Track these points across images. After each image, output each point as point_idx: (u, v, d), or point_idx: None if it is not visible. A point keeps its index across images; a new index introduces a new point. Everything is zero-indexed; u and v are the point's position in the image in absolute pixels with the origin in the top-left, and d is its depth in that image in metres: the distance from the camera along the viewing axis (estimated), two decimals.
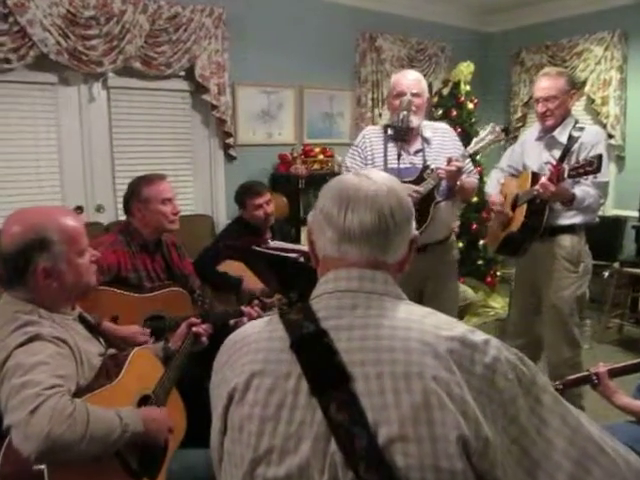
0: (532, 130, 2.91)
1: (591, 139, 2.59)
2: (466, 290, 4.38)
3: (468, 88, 5.00)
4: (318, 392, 0.86)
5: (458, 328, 0.89)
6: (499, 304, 5.07)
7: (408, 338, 0.87)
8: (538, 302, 2.81)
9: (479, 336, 0.88)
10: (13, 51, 3.29)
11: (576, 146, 2.58)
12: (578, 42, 5.15)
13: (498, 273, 5.34)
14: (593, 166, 2.33)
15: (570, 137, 2.61)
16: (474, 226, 4.89)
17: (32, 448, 1.20)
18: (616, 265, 4.31)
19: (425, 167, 2.57)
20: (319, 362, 0.88)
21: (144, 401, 1.60)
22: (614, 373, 1.89)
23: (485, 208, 5.06)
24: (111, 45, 3.62)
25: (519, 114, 5.73)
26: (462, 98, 4.94)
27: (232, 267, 2.92)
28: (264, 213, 3.12)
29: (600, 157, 2.34)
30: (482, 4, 5.46)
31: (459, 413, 0.80)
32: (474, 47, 5.74)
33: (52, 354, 1.35)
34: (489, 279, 5.19)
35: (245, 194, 3.20)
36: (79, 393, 1.40)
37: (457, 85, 4.99)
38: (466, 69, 4.92)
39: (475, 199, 4.81)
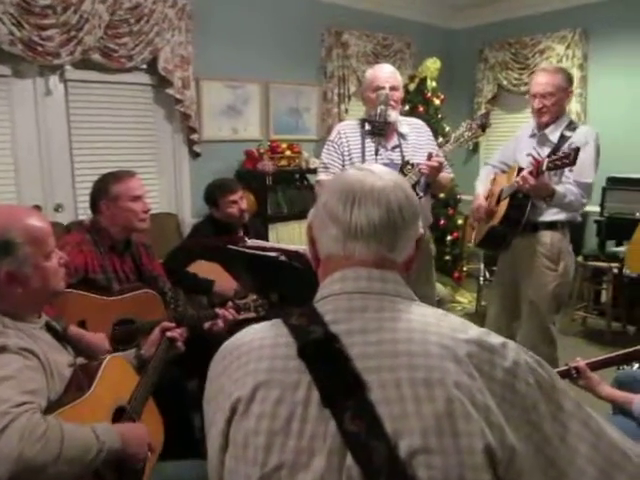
0: (527, 126, 2.88)
1: (581, 139, 2.58)
2: (436, 286, 4.38)
3: (434, 84, 5.01)
4: (330, 402, 0.79)
5: (473, 330, 0.85)
6: (466, 299, 5.13)
7: (427, 341, 0.81)
8: (517, 298, 2.80)
9: (495, 338, 0.84)
10: None
11: (566, 145, 2.56)
12: (540, 40, 5.22)
13: (465, 268, 5.38)
14: (570, 158, 2.34)
15: (562, 136, 2.61)
16: (442, 221, 4.91)
17: (2, 471, 1.09)
18: (579, 259, 4.39)
19: (405, 162, 2.54)
20: (331, 369, 0.81)
21: (119, 413, 1.50)
22: (593, 367, 1.90)
23: (455, 205, 5.11)
24: (68, 36, 3.44)
25: (483, 111, 5.76)
26: (429, 94, 4.95)
27: (204, 268, 2.82)
28: (239, 210, 3.02)
29: (577, 150, 2.34)
30: (447, 1, 5.47)
31: (484, 421, 0.76)
32: (439, 43, 5.76)
33: (20, 367, 1.23)
34: (456, 274, 5.23)
35: (217, 192, 3.07)
36: (50, 408, 1.29)
37: (424, 81, 4.98)
38: (432, 65, 4.93)
39: (442, 195, 4.83)
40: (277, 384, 0.82)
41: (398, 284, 0.91)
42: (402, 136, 2.66)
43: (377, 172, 0.95)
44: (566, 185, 2.55)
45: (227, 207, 3.02)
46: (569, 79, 2.69)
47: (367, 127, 2.34)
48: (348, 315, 0.86)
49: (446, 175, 2.75)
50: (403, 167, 2.53)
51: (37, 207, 3.61)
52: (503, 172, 2.90)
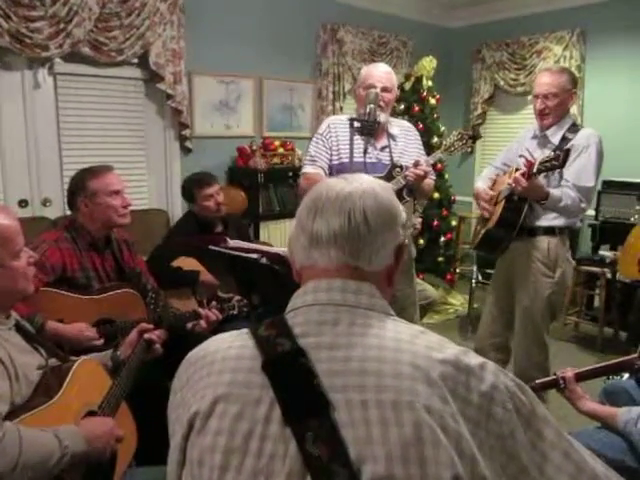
0: (529, 127, 2.81)
1: (582, 142, 2.50)
2: (427, 288, 4.35)
3: (430, 83, 4.96)
4: (292, 421, 0.74)
5: (450, 349, 0.80)
6: (458, 301, 5.08)
7: (398, 361, 0.76)
8: (513, 303, 2.73)
9: (474, 359, 0.79)
10: None
11: (566, 147, 2.46)
12: (538, 40, 5.18)
13: (458, 270, 5.34)
14: (559, 160, 2.27)
15: (563, 138, 2.54)
16: (435, 222, 4.86)
17: None
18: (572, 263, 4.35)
19: (394, 165, 2.51)
20: (295, 386, 0.76)
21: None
22: (581, 377, 1.86)
23: (449, 206, 5.07)
24: (57, 28, 3.39)
25: (479, 111, 5.74)
26: (424, 93, 4.90)
27: (187, 262, 2.79)
28: (215, 203, 2.99)
29: (567, 151, 2.28)
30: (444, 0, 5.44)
31: (454, 449, 0.71)
32: (436, 42, 5.71)
33: None
34: (449, 276, 5.19)
35: (193, 186, 3.05)
36: (15, 413, 1.25)
37: (419, 80, 4.94)
38: (429, 64, 4.87)
39: (437, 195, 4.80)
40: (237, 399, 0.78)
41: (373, 297, 0.86)
42: (392, 137, 2.63)
43: (352, 179, 0.92)
44: (563, 189, 2.47)
45: (203, 201, 2.99)
46: (574, 80, 2.60)
47: (356, 125, 2.30)
48: (318, 328, 0.82)
49: (429, 182, 2.71)
50: (392, 169, 2.49)
51: (23, 201, 3.58)
52: (505, 173, 2.84)
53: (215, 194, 3.01)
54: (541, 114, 2.60)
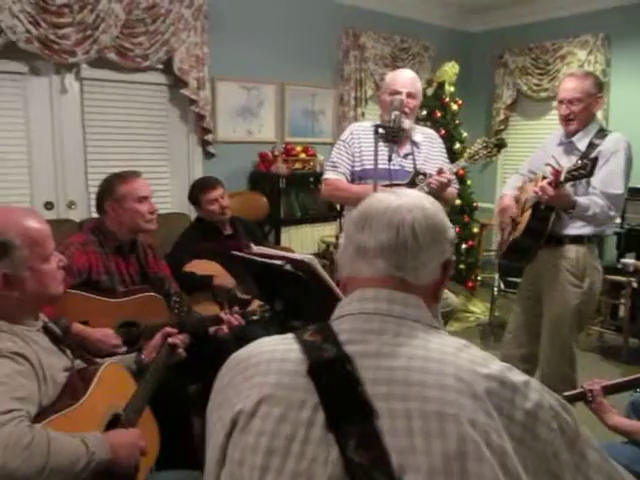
0: (555, 134, 2.75)
1: (609, 147, 2.44)
2: (448, 296, 4.32)
3: (452, 89, 4.94)
4: (336, 426, 0.75)
5: (494, 365, 0.79)
6: (479, 309, 5.03)
7: (443, 373, 0.76)
8: (540, 313, 2.68)
9: (518, 376, 0.78)
10: None
11: (594, 154, 2.42)
12: (562, 45, 5.12)
13: (479, 277, 5.30)
14: (587, 169, 2.22)
15: (590, 144, 2.48)
16: (456, 229, 4.83)
17: None
18: None
19: (417, 172, 2.50)
20: (340, 391, 0.77)
21: (114, 420, 1.46)
22: (608, 390, 1.83)
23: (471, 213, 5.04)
24: (84, 34, 3.44)
25: (502, 117, 5.69)
26: (446, 99, 4.87)
27: (202, 266, 2.80)
28: (219, 207, 2.98)
29: (595, 160, 2.23)
30: (466, 4, 5.41)
31: (498, 466, 0.70)
32: (458, 47, 5.68)
33: (10, 373, 1.20)
34: (470, 283, 5.14)
35: (197, 190, 3.05)
36: (42, 414, 1.27)
37: (441, 85, 4.92)
38: (451, 70, 4.85)
39: (458, 202, 4.77)
40: (282, 401, 0.79)
41: (419, 309, 0.87)
42: (415, 144, 2.62)
43: (400, 192, 0.93)
44: (591, 197, 2.41)
45: (208, 205, 2.99)
46: (599, 84, 2.54)
47: (381, 132, 2.29)
48: (364, 336, 0.82)
49: (452, 191, 2.69)
50: (415, 176, 2.48)
51: (49, 204, 3.63)
52: (531, 181, 2.80)
53: (219, 197, 3.00)
54: (566, 120, 2.55)
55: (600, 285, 2.66)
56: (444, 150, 2.78)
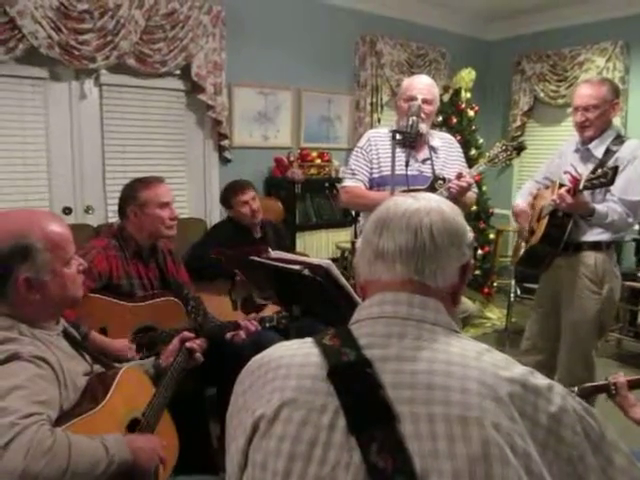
0: (571, 141, 2.73)
1: (627, 154, 2.42)
2: (465, 302, 4.29)
3: (469, 95, 4.93)
4: (357, 430, 0.74)
5: (517, 368, 0.78)
6: (495, 315, 5.00)
7: (466, 377, 0.76)
8: (559, 320, 2.66)
9: (541, 380, 0.78)
10: (1, 43, 3.13)
11: (611, 161, 2.41)
12: (580, 52, 5.09)
13: (495, 284, 5.26)
14: (607, 177, 2.21)
15: (607, 151, 2.46)
16: (473, 235, 4.80)
17: None
18: None
19: (436, 177, 2.50)
20: (361, 395, 0.76)
21: (134, 424, 1.47)
22: (632, 385, 1.79)
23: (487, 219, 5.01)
24: (105, 40, 3.48)
25: (518, 123, 5.66)
26: (462, 105, 4.86)
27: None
28: (250, 210, 3.04)
29: (616, 169, 2.21)
30: (483, 11, 5.39)
31: (523, 469, 0.69)
32: (474, 54, 5.66)
33: (31, 377, 1.21)
34: (486, 289, 5.11)
35: (229, 192, 3.13)
36: (62, 418, 1.27)
37: (458, 92, 4.90)
38: (467, 76, 4.84)
39: (474, 208, 4.74)
40: (303, 405, 0.78)
41: (439, 312, 0.86)
42: (433, 149, 2.62)
43: (418, 196, 0.93)
44: (609, 204, 2.40)
45: (239, 207, 3.06)
46: (615, 90, 2.52)
47: (398, 137, 2.29)
48: (384, 340, 0.82)
49: (471, 195, 2.68)
50: (434, 182, 2.48)
51: (68, 209, 3.67)
52: (547, 188, 2.78)
53: (250, 200, 3.05)
54: (581, 127, 2.53)
55: (619, 291, 2.64)
56: (462, 155, 2.78)
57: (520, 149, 2.61)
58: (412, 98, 2.49)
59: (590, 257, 2.51)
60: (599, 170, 2.28)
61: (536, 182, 2.87)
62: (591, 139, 2.53)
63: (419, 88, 2.54)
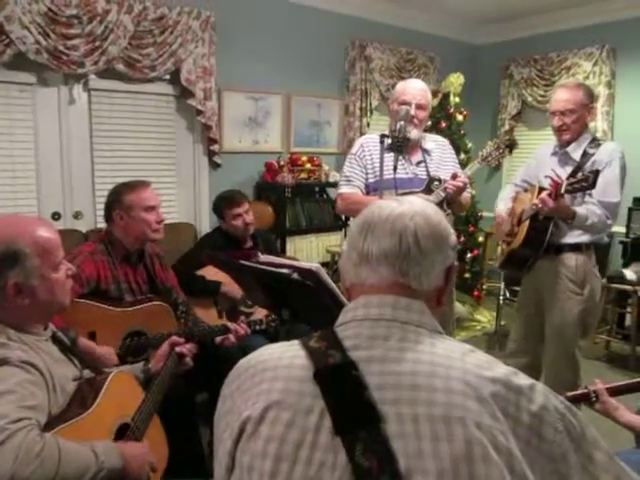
0: (548, 144, 2.78)
1: (604, 157, 2.47)
2: (455, 305, 4.31)
3: (457, 100, 4.96)
4: (342, 431, 0.75)
5: (500, 369, 0.80)
6: (485, 318, 5.03)
7: (449, 377, 0.77)
8: (542, 321, 2.70)
9: (523, 380, 0.79)
10: None
11: (589, 164, 2.47)
12: (567, 57, 5.14)
13: (485, 286, 5.29)
14: (589, 181, 2.25)
15: (584, 154, 2.52)
16: (462, 239, 4.83)
17: None
18: (603, 281, 4.27)
19: (432, 179, 2.52)
20: (346, 397, 0.77)
21: (123, 430, 1.46)
22: (612, 391, 1.81)
23: (476, 222, 5.04)
24: (93, 45, 3.48)
25: (507, 127, 5.70)
26: (452, 110, 4.90)
27: (213, 272, 2.80)
28: (243, 223, 3.01)
29: (597, 173, 2.26)
30: (472, 16, 5.44)
31: (505, 467, 0.71)
32: (463, 59, 5.71)
33: (20, 382, 1.21)
34: (476, 292, 5.14)
35: (223, 204, 3.08)
36: (51, 423, 1.27)
37: (447, 96, 4.94)
38: (456, 80, 4.88)
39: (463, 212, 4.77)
40: (289, 406, 0.79)
41: (423, 314, 0.87)
42: (426, 152, 2.65)
43: (402, 200, 0.94)
44: (588, 206, 2.45)
45: (232, 219, 3.02)
46: (590, 95, 2.57)
47: (387, 142, 2.31)
48: (369, 342, 0.83)
49: (466, 195, 2.71)
50: (430, 183, 2.50)
51: (56, 214, 3.65)
52: (526, 191, 2.82)
53: (244, 213, 3.02)
54: (559, 130, 2.58)
55: (600, 291, 2.69)
56: (455, 156, 2.81)
57: (512, 146, 2.65)
58: (405, 103, 2.51)
59: (571, 259, 2.55)
60: (580, 174, 2.33)
61: (515, 185, 2.93)
62: (569, 142, 2.58)
63: (413, 93, 2.56)
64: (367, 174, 2.64)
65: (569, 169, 2.53)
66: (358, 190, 2.64)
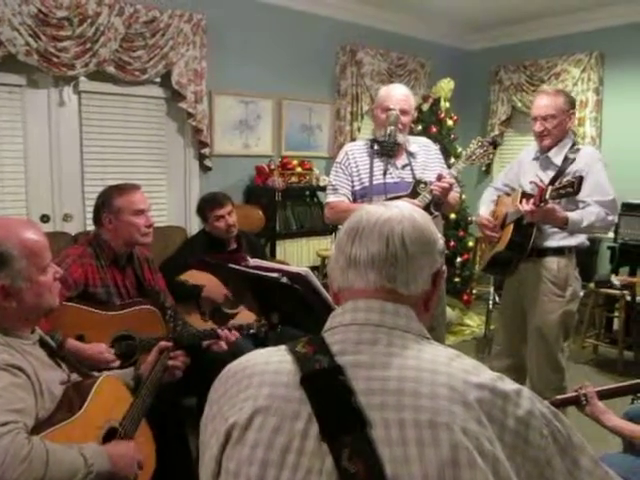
0: (529, 149, 2.82)
1: (587, 161, 2.52)
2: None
3: (448, 105, 4.99)
4: (329, 437, 0.75)
5: (486, 374, 0.80)
6: (475, 322, 5.04)
7: (435, 382, 0.77)
8: (525, 324, 2.72)
9: (509, 385, 0.79)
10: None
11: (570, 168, 2.51)
12: (556, 63, 5.19)
13: (474, 291, 5.31)
14: (574, 187, 2.27)
15: (565, 159, 2.55)
16: (452, 243, 4.85)
17: None
18: (591, 285, 4.30)
19: (418, 181, 2.52)
20: (333, 402, 0.77)
21: (111, 434, 1.46)
22: (602, 395, 1.83)
23: (466, 227, 5.06)
24: (84, 48, 3.47)
25: (496, 132, 5.71)
26: (442, 114, 4.92)
27: (196, 276, 2.81)
28: (225, 224, 3.00)
29: (581, 178, 2.28)
30: (462, 22, 5.48)
31: (490, 473, 0.71)
32: (453, 64, 5.74)
33: (6, 385, 1.20)
34: (465, 297, 5.16)
35: (206, 206, 3.07)
36: (38, 427, 1.26)
37: (437, 101, 4.97)
38: (447, 86, 4.91)
39: (453, 216, 4.79)
40: (276, 412, 0.79)
41: (410, 319, 0.87)
42: (411, 155, 2.65)
43: (390, 205, 0.94)
44: (584, 209, 2.47)
45: (215, 221, 3.01)
46: (570, 101, 2.62)
47: (376, 147, 2.31)
48: (356, 347, 0.83)
49: (455, 195, 2.72)
50: (416, 186, 2.51)
51: (45, 216, 3.63)
52: (507, 195, 2.84)
53: (227, 215, 3.01)
54: (540, 136, 2.62)
55: (580, 293, 2.73)
56: (441, 156, 2.82)
57: (495, 143, 2.66)
58: (389, 109, 2.52)
59: (553, 262, 2.59)
60: (565, 180, 2.35)
61: (495, 189, 2.96)
62: (550, 147, 2.62)
63: (396, 99, 2.57)
64: (353, 182, 2.65)
65: (551, 173, 2.57)
66: (345, 198, 2.66)
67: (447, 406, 0.74)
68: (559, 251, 2.59)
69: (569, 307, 2.60)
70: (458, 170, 2.66)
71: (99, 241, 2.26)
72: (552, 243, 2.58)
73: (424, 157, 2.70)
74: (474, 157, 2.65)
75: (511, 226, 2.59)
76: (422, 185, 2.51)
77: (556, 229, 2.52)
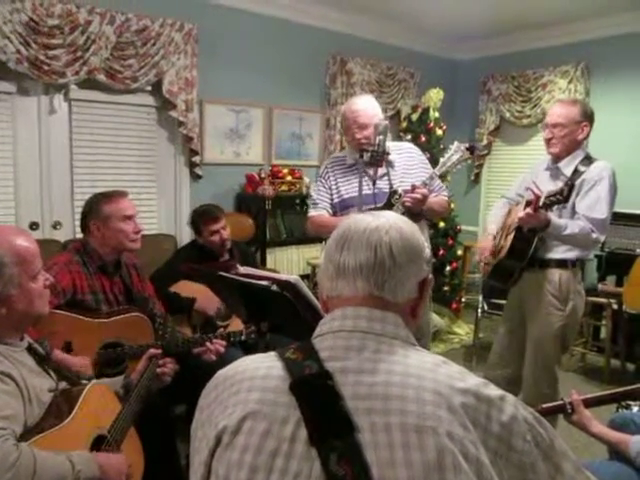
0: (544, 159, 2.79)
1: (594, 175, 2.49)
2: (433, 317, 4.35)
3: (437, 114, 5.04)
4: (318, 441, 0.77)
5: (471, 380, 0.82)
6: (464, 330, 5.07)
7: (421, 387, 0.79)
8: (525, 334, 2.71)
9: (494, 390, 0.81)
10: None
11: (579, 181, 2.48)
12: (543, 74, 5.26)
13: (463, 299, 5.34)
14: (563, 194, 2.27)
15: (575, 171, 2.53)
16: (441, 252, 4.88)
17: None
18: None
19: (393, 192, 2.50)
20: (321, 407, 0.79)
21: (99, 441, 1.46)
22: (588, 403, 1.84)
23: (455, 235, 5.10)
24: (75, 56, 3.47)
25: (485, 142, 5.79)
26: (431, 124, 4.97)
27: (188, 287, 2.81)
28: (220, 239, 3.00)
29: (571, 187, 2.29)
30: (451, 33, 5.54)
31: (475, 476, 0.72)
32: (443, 74, 5.80)
33: None
34: (454, 305, 5.18)
35: (200, 219, 3.07)
36: (27, 434, 1.26)
37: (426, 111, 5.02)
38: (436, 95, 4.96)
39: (442, 224, 4.83)
40: (265, 417, 0.80)
41: (398, 326, 0.89)
42: (389, 163, 2.61)
43: (377, 214, 0.96)
44: (571, 220, 2.46)
45: (209, 235, 3.01)
46: (585, 113, 2.57)
47: (365, 157, 2.32)
48: (344, 353, 0.85)
49: (439, 199, 2.69)
50: (391, 197, 2.48)
51: (35, 224, 3.61)
52: (518, 204, 2.83)
53: (221, 229, 3.01)
54: (548, 143, 2.61)
55: (583, 309, 2.70)
56: (424, 160, 2.77)
57: (472, 149, 2.65)
58: (365, 126, 2.51)
59: (555, 274, 2.56)
60: (556, 188, 2.35)
61: (507, 199, 2.93)
62: (558, 156, 2.60)
63: (353, 118, 2.55)
64: (332, 195, 2.66)
65: (560, 184, 2.50)
66: (324, 212, 2.67)
67: (433, 411, 0.76)
68: (562, 263, 2.56)
69: (568, 321, 2.57)
70: (433, 176, 2.59)
71: (86, 248, 2.26)
72: (555, 255, 2.56)
73: (404, 163, 2.66)
74: (450, 163, 2.58)
75: (512, 234, 2.57)
76: (396, 197, 2.47)
77: (558, 242, 2.51)
